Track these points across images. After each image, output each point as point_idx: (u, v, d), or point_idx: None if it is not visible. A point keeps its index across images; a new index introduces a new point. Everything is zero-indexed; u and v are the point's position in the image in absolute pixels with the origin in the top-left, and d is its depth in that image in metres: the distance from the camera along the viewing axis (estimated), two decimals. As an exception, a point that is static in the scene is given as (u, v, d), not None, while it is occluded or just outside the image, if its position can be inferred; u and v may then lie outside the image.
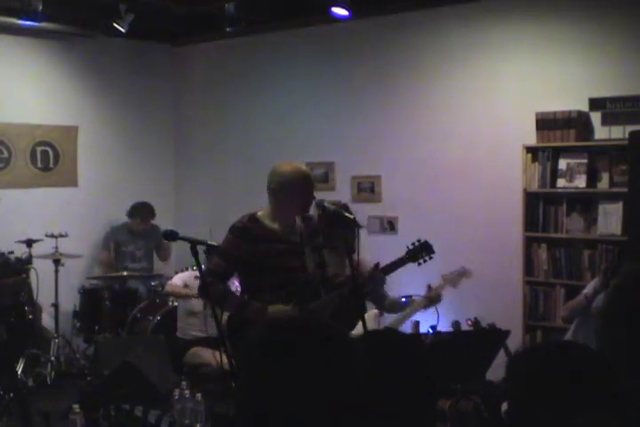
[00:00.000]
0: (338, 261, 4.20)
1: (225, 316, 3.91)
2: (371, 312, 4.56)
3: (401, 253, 4.01)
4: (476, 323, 4.50)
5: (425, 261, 3.97)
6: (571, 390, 1.55)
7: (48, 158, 7.21)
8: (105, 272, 7.03)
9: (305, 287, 3.79)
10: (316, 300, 3.80)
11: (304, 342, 1.50)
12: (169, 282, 6.33)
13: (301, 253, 3.82)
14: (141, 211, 7.12)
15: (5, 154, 6.95)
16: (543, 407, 1.56)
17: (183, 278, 6.26)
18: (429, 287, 4.56)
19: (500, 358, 4.05)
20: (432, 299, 4.51)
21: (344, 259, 3.97)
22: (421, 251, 3.94)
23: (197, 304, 5.92)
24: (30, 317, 6.08)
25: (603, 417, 1.50)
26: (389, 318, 4.84)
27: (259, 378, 1.49)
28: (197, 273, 6.00)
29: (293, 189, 3.72)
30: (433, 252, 3.96)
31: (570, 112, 5.48)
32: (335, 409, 1.46)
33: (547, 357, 1.64)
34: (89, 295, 6.57)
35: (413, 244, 3.98)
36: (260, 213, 3.83)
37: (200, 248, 3.31)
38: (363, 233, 4.22)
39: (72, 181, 7.37)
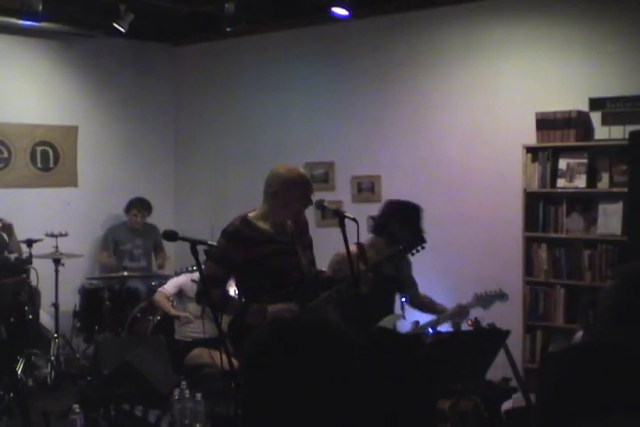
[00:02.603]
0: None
1: (225, 319, 3.91)
2: (390, 317, 4.52)
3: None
4: (476, 323, 4.50)
5: (418, 251, 3.99)
6: (604, 390, 1.54)
7: (48, 158, 7.21)
8: (106, 272, 7.03)
9: (303, 286, 3.79)
10: (315, 298, 3.79)
11: (307, 340, 1.50)
12: (160, 289, 6.21)
13: (294, 253, 3.82)
14: (138, 204, 7.20)
15: (5, 154, 6.95)
16: (575, 408, 1.54)
17: (178, 284, 6.15)
18: (459, 306, 4.55)
19: (500, 358, 4.05)
20: (459, 316, 4.53)
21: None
22: (414, 242, 3.96)
23: (195, 309, 5.92)
24: (30, 317, 6.09)
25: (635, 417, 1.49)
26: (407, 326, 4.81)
27: (261, 377, 1.49)
28: (194, 276, 6.06)
29: (291, 196, 3.72)
30: (425, 241, 3.98)
31: (570, 112, 5.48)
32: (337, 407, 1.46)
33: (580, 356, 1.62)
34: (89, 295, 6.57)
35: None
36: (251, 215, 3.80)
37: (200, 248, 3.31)
38: (362, 233, 4.22)
39: (72, 181, 7.37)
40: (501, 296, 4.66)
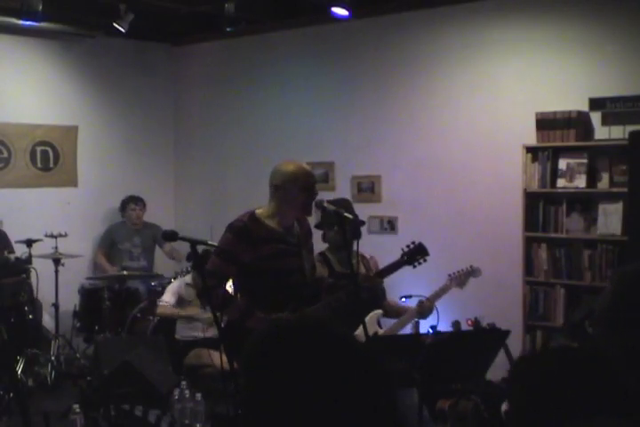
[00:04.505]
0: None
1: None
2: (373, 314, 4.55)
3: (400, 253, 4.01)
4: (476, 323, 4.50)
5: (420, 263, 3.96)
6: (577, 394, 1.53)
7: (48, 158, 7.22)
8: (99, 273, 7.02)
9: (302, 290, 3.77)
10: (314, 303, 3.77)
11: (306, 340, 1.50)
12: (159, 302, 6.04)
13: (299, 255, 3.80)
14: (132, 199, 7.22)
15: (5, 154, 6.96)
16: (547, 412, 1.54)
17: (175, 291, 6.03)
18: (421, 302, 4.55)
19: (500, 358, 4.05)
20: (423, 312, 4.54)
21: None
22: (417, 253, 3.93)
23: (196, 310, 5.89)
24: (30, 317, 6.09)
25: (611, 422, 1.48)
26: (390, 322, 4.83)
27: (261, 377, 1.49)
28: (187, 279, 6.02)
29: (296, 187, 3.70)
30: (427, 254, 3.95)
31: (570, 112, 5.48)
32: (337, 408, 1.46)
33: (552, 360, 1.62)
34: (89, 295, 6.57)
35: (408, 246, 3.96)
36: (259, 212, 3.77)
37: (200, 248, 3.30)
38: (363, 233, 4.23)
39: (72, 181, 7.37)
40: (474, 272, 4.71)
